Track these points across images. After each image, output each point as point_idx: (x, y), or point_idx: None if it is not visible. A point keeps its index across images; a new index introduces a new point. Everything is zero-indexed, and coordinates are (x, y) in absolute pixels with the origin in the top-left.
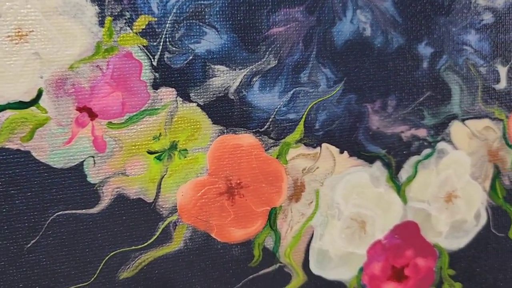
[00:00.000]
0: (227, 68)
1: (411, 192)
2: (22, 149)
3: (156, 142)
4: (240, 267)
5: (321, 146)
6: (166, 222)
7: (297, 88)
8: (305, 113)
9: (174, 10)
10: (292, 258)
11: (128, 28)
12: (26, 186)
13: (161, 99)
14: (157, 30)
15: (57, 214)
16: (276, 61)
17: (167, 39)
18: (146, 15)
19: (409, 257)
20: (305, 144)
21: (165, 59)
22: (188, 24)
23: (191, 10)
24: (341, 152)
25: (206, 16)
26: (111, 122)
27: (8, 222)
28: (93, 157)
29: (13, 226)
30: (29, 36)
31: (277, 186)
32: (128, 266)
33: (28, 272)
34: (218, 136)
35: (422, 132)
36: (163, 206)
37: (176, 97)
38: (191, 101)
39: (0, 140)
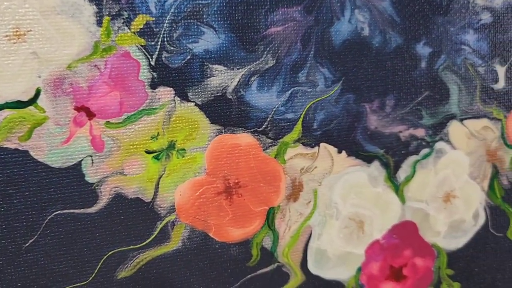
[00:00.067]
0: (225, 68)
1: (409, 192)
2: (20, 148)
3: (154, 142)
4: (238, 267)
5: (319, 146)
6: (164, 222)
7: (295, 88)
8: (303, 112)
9: (172, 10)
10: (290, 257)
11: (126, 27)
12: (24, 186)
13: (159, 98)
14: (155, 29)
15: (55, 213)
16: (274, 61)
17: (165, 39)
18: (144, 15)
19: (407, 257)
20: (303, 144)
21: (163, 58)
22: (186, 23)
23: (189, 10)
24: (339, 152)
25: (204, 16)
26: (109, 121)
27: (6, 222)
28: (91, 156)
29: (11, 226)
30: (27, 36)
31: (275, 185)
32: (126, 266)
33: (26, 271)
34: (216, 135)
35: (420, 132)
36: (161, 205)
37: (174, 96)
38: (189, 101)
39: None
